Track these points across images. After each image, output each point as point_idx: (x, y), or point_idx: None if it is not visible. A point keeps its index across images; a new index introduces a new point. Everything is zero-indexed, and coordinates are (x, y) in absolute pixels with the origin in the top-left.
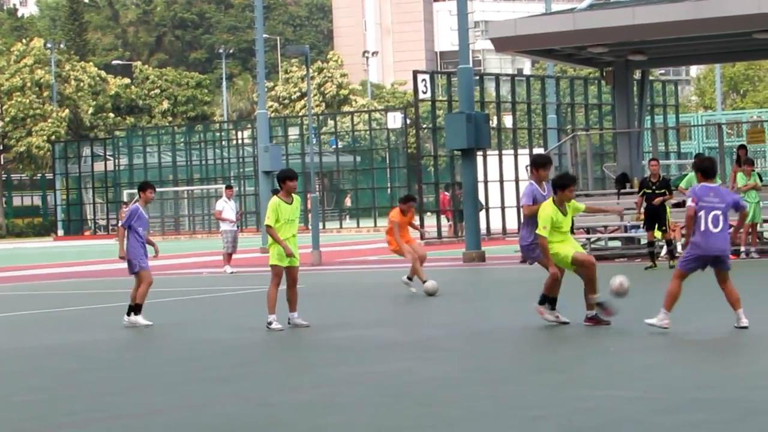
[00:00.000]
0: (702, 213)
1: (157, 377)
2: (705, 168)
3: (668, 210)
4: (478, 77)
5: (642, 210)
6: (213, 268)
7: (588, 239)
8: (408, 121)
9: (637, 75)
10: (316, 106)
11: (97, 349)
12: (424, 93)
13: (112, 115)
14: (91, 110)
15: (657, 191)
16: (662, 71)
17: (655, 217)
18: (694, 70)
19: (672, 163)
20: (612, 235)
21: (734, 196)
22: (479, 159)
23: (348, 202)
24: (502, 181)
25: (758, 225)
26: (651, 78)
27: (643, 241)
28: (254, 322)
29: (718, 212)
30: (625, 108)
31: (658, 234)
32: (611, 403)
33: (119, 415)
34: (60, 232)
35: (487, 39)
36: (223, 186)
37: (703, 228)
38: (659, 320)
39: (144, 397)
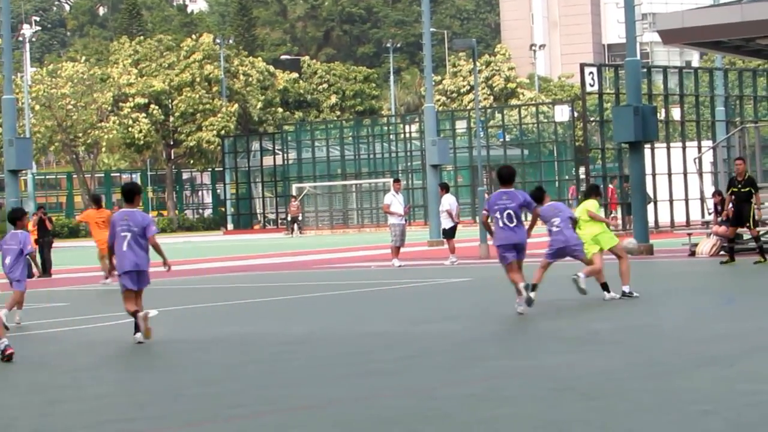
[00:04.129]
0: None
1: (325, 370)
2: None
3: (753, 208)
4: (645, 70)
5: (730, 207)
6: (381, 261)
7: (758, 232)
8: (575, 114)
9: None
10: (484, 99)
11: (264, 342)
12: (592, 86)
13: (280, 109)
14: (259, 105)
15: (743, 189)
16: None
17: (740, 214)
18: None
19: None
20: None
21: None
22: (647, 152)
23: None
24: (670, 174)
25: None
26: None
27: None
28: (421, 315)
29: None
30: None
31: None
32: None
33: (287, 408)
34: (230, 226)
35: (655, 31)
36: (391, 180)
37: None
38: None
39: (312, 389)
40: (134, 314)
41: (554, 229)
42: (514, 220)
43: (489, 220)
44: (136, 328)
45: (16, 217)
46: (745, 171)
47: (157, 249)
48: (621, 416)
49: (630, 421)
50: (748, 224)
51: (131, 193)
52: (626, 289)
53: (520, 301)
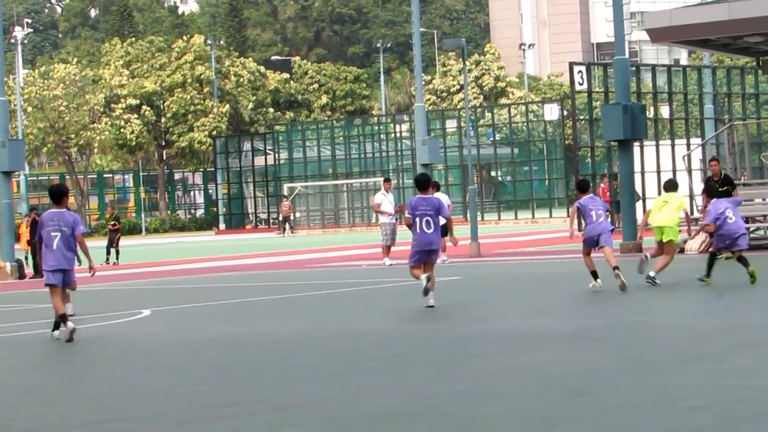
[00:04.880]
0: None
1: (316, 368)
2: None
3: None
4: (634, 68)
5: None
6: (372, 260)
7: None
8: (565, 113)
9: None
10: (474, 98)
11: (256, 341)
12: (581, 84)
13: (271, 110)
14: (251, 105)
15: (720, 189)
16: None
17: None
18: None
19: None
20: None
21: None
22: (636, 150)
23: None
24: (659, 172)
25: None
26: None
27: None
28: (412, 314)
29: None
30: None
31: None
32: None
33: (279, 406)
34: (221, 226)
35: (643, 30)
36: (382, 179)
37: None
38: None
39: (303, 388)
40: (62, 316)
41: (594, 219)
42: (432, 226)
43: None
44: (56, 326)
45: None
46: (720, 170)
47: (84, 248)
48: (610, 412)
49: (619, 416)
50: None
51: (59, 195)
52: (652, 274)
53: (428, 295)
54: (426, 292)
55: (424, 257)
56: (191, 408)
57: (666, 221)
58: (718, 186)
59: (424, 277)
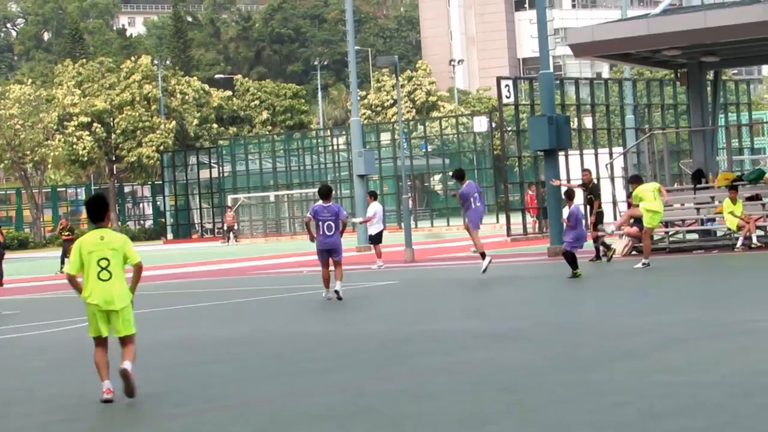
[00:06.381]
0: None
1: (261, 369)
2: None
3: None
4: (558, 81)
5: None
6: (312, 266)
7: (666, 232)
8: (493, 125)
9: (710, 75)
10: (407, 112)
11: (204, 344)
12: (508, 98)
13: (215, 125)
14: (196, 122)
15: (588, 196)
16: (735, 71)
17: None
18: (767, 68)
19: (745, 159)
20: (689, 228)
21: None
22: (561, 159)
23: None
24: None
25: None
26: (724, 78)
27: (719, 233)
28: (350, 317)
29: None
30: (699, 107)
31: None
32: (690, 389)
33: (226, 405)
34: (169, 236)
35: (567, 45)
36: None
37: None
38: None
39: (248, 388)
40: None
41: (477, 204)
42: (333, 230)
43: (311, 225)
44: None
45: None
46: (591, 180)
47: None
48: (540, 408)
49: (548, 412)
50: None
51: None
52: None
53: (329, 292)
54: (327, 300)
55: (326, 255)
56: (143, 408)
57: (661, 207)
58: (586, 194)
59: (325, 293)
